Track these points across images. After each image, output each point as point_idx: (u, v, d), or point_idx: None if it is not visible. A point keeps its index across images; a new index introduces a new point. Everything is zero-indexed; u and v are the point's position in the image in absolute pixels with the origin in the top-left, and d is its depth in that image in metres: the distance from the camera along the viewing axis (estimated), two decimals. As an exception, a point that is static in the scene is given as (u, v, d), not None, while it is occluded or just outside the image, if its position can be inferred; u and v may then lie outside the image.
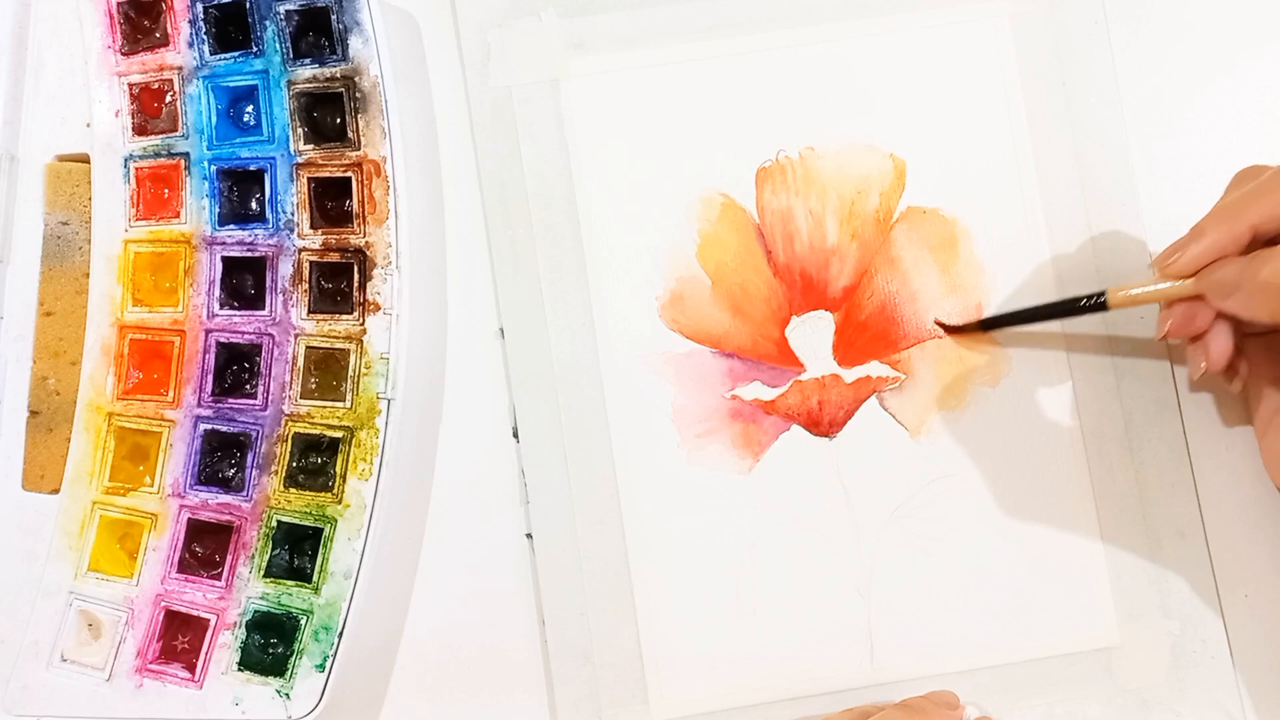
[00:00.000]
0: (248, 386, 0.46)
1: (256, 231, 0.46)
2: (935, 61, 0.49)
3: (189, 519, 0.45)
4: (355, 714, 0.47)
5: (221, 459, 0.46)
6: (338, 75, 0.45)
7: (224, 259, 0.46)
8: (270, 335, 0.45)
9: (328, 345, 0.45)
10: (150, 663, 0.44)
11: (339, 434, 0.44)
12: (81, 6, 0.47)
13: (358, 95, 0.45)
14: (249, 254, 0.46)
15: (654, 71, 0.49)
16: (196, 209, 0.46)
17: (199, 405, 0.45)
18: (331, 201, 0.46)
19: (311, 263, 0.45)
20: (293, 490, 0.45)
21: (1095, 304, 0.43)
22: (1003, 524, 0.47)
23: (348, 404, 0.44)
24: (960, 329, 0.47)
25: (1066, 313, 0.45)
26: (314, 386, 0.45)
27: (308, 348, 0.45)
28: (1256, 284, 0.38)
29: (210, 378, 0.45)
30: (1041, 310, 0.46)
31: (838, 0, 0.49)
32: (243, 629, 0.44)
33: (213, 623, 0.44)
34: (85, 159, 0.48)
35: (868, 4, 0.49)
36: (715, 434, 0.48)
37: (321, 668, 0.43)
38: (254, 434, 0.45)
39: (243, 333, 0.45)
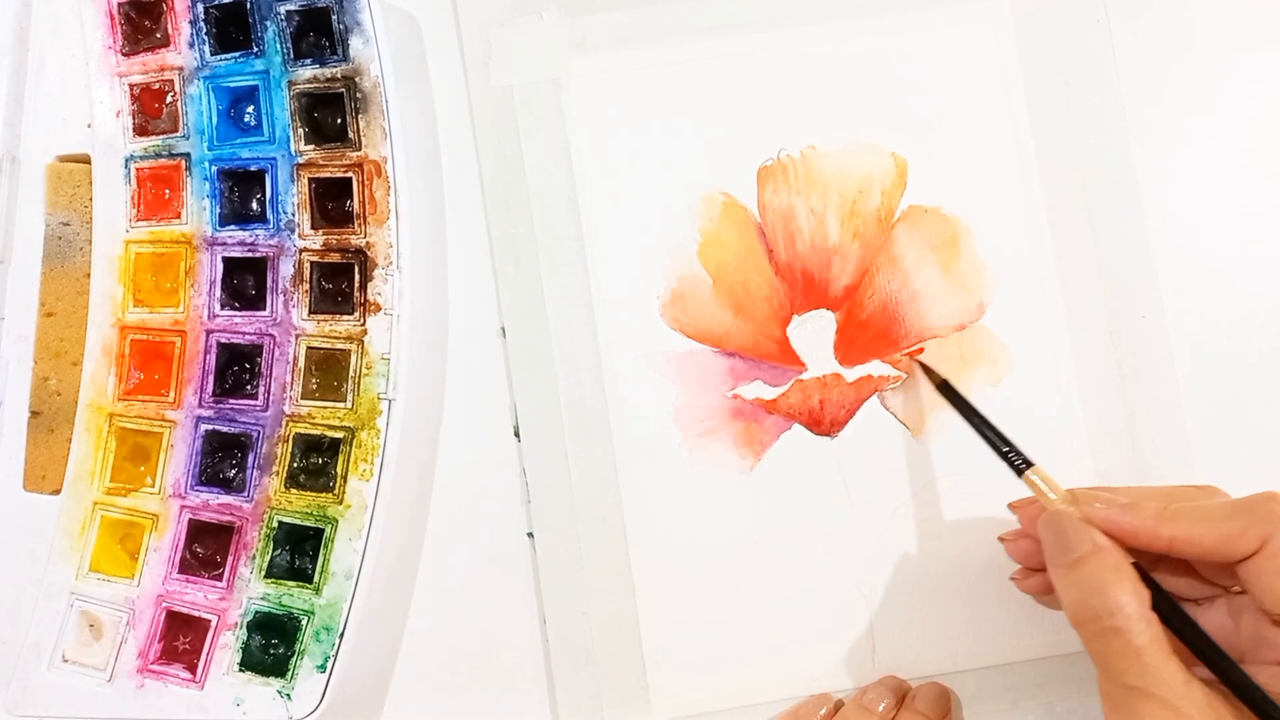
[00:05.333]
0: (248, 387, 0.46)
1: (257, 232, 0.46)
2: (937, 60, 0.49)
3: (190, 520, 0.45)
4: (357, 714, 0.47)
5: (222, 459, 0.46)
6: (338, 75, 0.45)
7: (225, 259, 0.46)
8: (271, 336, 0.45)
9: (329, 346, 0.45)
10: (151, 663, 0.44)
11: (340, 434, 0.44)
12: (82, 7, 0.47)
13: (358, 95, 0.45)
14: (250, 254, 0.46)
15: (656, 71, 0.49)
16: (197, 209, 0.46)
17: (200, 406, 0.45)
18: (332, 202, 0.46)
19: (312, 263, 0.45)
20: (294, 491, 0.45)
21: (1015, 464, 0.42)
22: (1004, 523, 0.47)
23: (349, 404, 0.44)
24: (927, 369, 0.47)
25: (994, 446, 0.43)
26: (315, 387, 0.45)
27: (309, 348, 0.45)
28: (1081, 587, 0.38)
29: (211, 378, 0.45)
30: (980, 422, 0.43)
31: (839, -1, 0.49)
32: (244, 630, 0.44)
33: (214, 623, 0.44)
34: (86, 159, 0.48)
35: (870, 3, 0.49)
36: (716, 433, 0.47)
37: (323, 668, 0.43)
38: (255, 434, 0.45)
39: (244, 333, 0.45)
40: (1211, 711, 0.35)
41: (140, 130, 0.47)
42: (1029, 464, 0.42)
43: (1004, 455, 0.42)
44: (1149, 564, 0.39)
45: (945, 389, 0.45)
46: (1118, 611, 0.36)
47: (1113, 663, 0.36)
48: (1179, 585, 0.41)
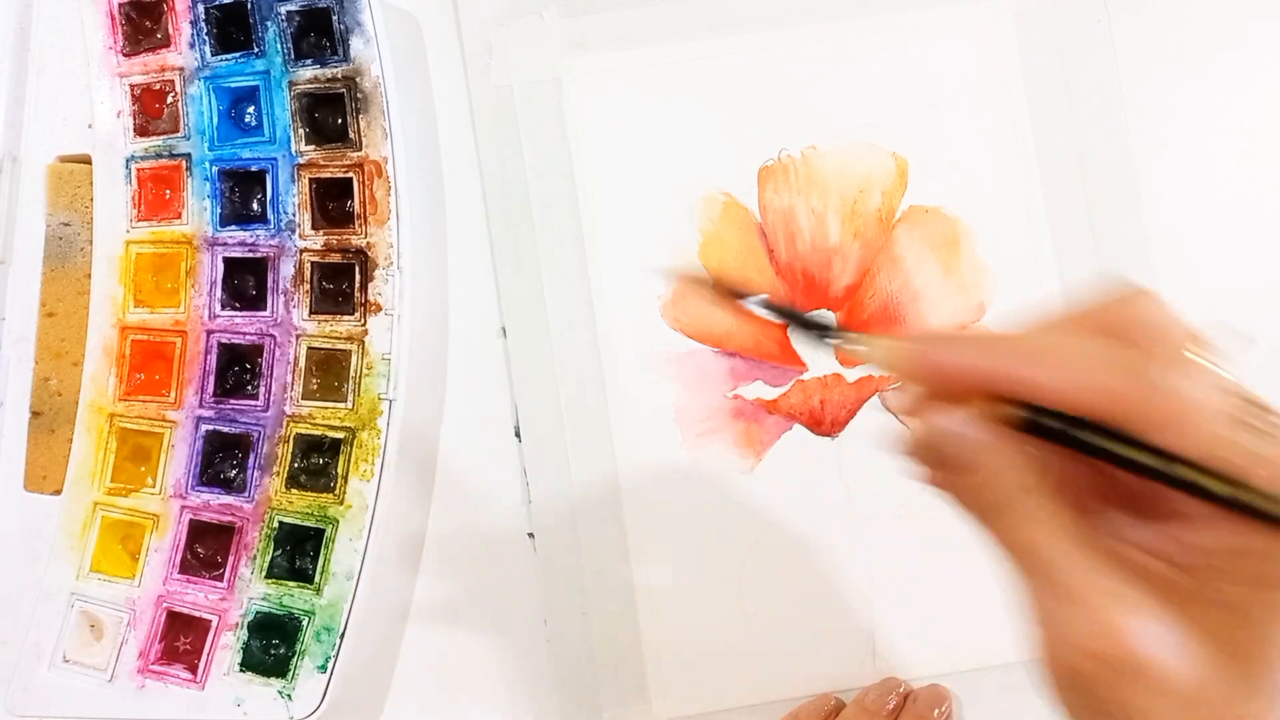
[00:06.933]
0: (249, 387, 0.46)
1: (258, 232, 0.46)
2: (937, 60, 0.49)
3: (191, 520, 0.45)
4: (357, 714, 0.47)
5: (223, 460, 0.46)
6: (339, 76, 0.45)
7: (225, 260, 0.46)
8: (272, 336, 0.45)
9: (329, 346, 0.45)
10: (152, 664, 0.44)
11: (340, 435, 0.44)
12: (83, 8, 0.47)
13: (359, 96, 0.45)
14: (250, 255, 0.46)
15: (656, 70, 0.49)
16: (198, 210, 0.46)
17: (200, 406, 0.45)
18: (333, 202, 0.46)
19: (313, 263, 0.45)
20: (294, 491, 0.45)
21: (824, 338, 0.30)
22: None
23: (349, 404, 0.44)
24: (696, 280, 0.41)
25: (804, 327, 0.31)
26: (315, 387, 0.45)
27: (309, 348, 0.45)
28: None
29: (212, 378, 0.45)
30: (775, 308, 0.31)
31: (839, -1, 0.49)
32: (244, 630, 0.44)
33: (214, 624, 0.44)
34: (87, 160, 0.48)
35: (870, 3, 0.49)
36: (717, 433, 0.47)
37: (323, 668, 0.43)
38: (255, 435, 0.45)
39: (244, 333, 0.45)
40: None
41: (141, 130, 0.47)
42: (829, 330, 0.30)
43: (815, 331, 0.31)
44: None
45: (721, 290, 0.32)
46: (1041, 555, 0.27)
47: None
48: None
